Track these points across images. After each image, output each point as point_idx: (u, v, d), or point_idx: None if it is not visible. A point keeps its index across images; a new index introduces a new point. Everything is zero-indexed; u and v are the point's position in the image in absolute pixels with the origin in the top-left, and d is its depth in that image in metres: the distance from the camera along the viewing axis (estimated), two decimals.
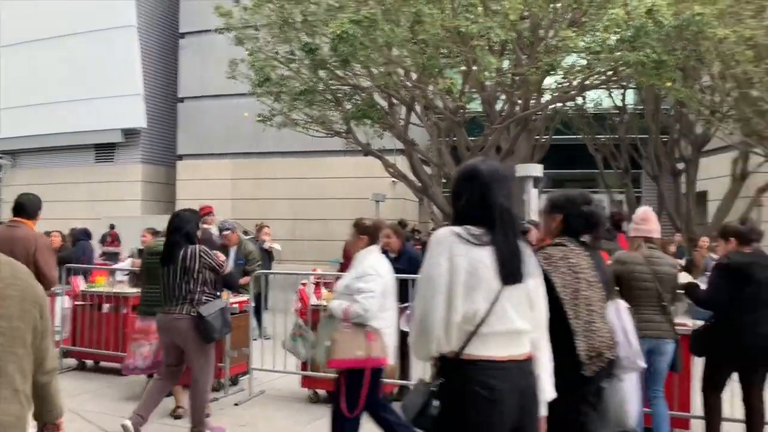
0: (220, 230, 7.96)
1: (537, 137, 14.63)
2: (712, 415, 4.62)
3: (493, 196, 2.38)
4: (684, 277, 5.17)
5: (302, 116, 13.63)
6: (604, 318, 3.09)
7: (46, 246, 5.06)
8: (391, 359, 4.23)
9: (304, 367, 6.04)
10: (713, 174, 15.46)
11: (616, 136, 16.21)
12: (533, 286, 2.40)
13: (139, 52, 21.13)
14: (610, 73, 11.71)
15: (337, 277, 7.64)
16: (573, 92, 12.21)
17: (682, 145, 15.46)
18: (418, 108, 13.17)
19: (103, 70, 20.56)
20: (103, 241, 15.45)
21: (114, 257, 13.49)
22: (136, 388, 6.27)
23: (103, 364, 7.28)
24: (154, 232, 7.41)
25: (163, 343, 5.02)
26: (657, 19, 9.29)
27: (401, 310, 5.13)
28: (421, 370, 4.38)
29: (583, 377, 2.89)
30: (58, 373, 2.26)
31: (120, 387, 6.49)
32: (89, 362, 7.38)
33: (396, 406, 3.68)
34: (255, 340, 6.80)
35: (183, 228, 4.90)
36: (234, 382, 6.44)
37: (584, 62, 11.01)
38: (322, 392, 6.06)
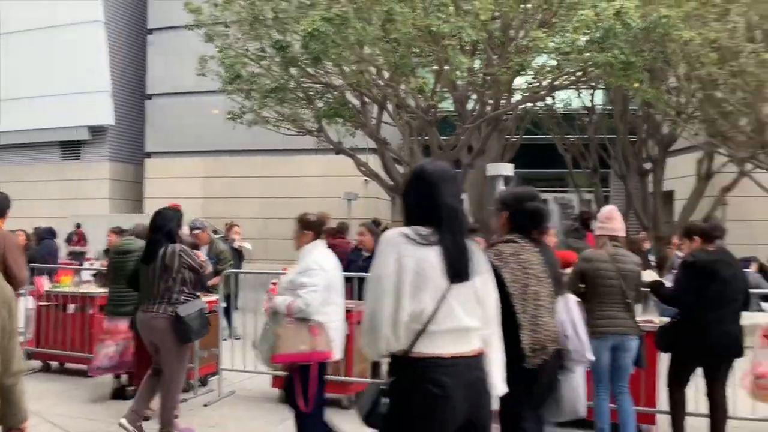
0: (191, 229, 7.85)
1: (508, 137, 14.75)
2: (677, 409, 4.72)
3: (440, 196, 2.44)
4: (649, 275, 5.26)
5: (273, 114, 13.55)
6: (552, 312, 3.22)
7: (16, 245, 4.94)
8: (338, 353, 4.22)
9: None
10: (679, 174, 15.77)
11: (585, 136, 16.43)
12: (481, 283, 2.45)
13: (106, 48, 20.76)
14: (579, 73, 11.87)
15: None
16: (543, 92, 12.34)
17: (649, 145, 15.73)
18: (390, 107, 13.18)
19: (70, 65, 20.17)
20: (69, 240, 15.18)
21: (80, 257, 13.25)
22: (104, 390, 6.16)
23: (68, 365, 7.13)
24: (120, 232, 7.27)
25: (145, 341, 4.95)
26: (625, 21, 9.45)
27: None
28: None
29: (527, 369, 3.02)
30: (23, 376, 2.21)
31: (87, 389, 6.36)
32: (54, 364, 7.23)
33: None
34: (225, 340, 6.73)
35: (165, 226, 4.86)
36: (203, 382, 6.36)
37: (554, 63, 11.13)
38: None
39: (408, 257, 2.33)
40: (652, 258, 10.23)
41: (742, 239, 13.62)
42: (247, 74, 12.74)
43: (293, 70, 12.54)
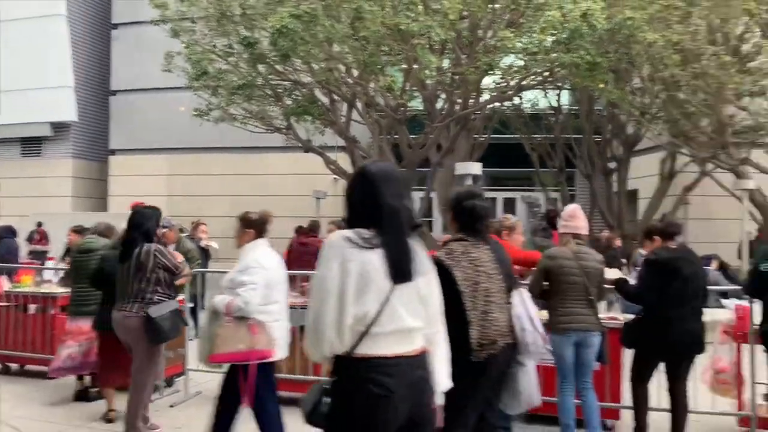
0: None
1: (476, 136, 14.84)
2: (640, 404, 4.81)
3: (380, 197, 2.45)
4: (613, 273, 5.35)
5: (240, 111, 13.43)
6: (503, 308, 3.33)
7: None
8: (282, 352, 4.21)
9: None
10: (643, 173, 16.07)
11: (552, 136, 16.62)
12: (424, 283, 2.47)
13: (69, 43, 20.32)
14: (546, 74, 12.00)
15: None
16: (510, 92, 12.44)
17: (614, 145, 15.99)
18: (359, 105, 13.15)
19: (31, 60, 19.68)
20: (30, 239, 14.83)
21: (42, 256, 12.96)
22: (66, 392, 6.03)
23: (29, 367, 6.97)
24: (81, 231, 7.11)
25: (121, 340, 4.87)
26: (591, 23, 9.58)
27: None
28: None
29: (474, 363, 3.14)
30: None
31: (48, 391, 6.22)
32: (14, 366, 7.05)
33: None
34: (191, 340, 6.65)
35: (143, 225, 4.80)
36: (169, 383, 6.28)
37: (521, 63, 11.23)
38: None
39: (352, 262, 2.35)
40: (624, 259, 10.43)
41: (704, 237, 13.95)
42: (214, 71, 12.60)
43: (261, 67, 12.44)
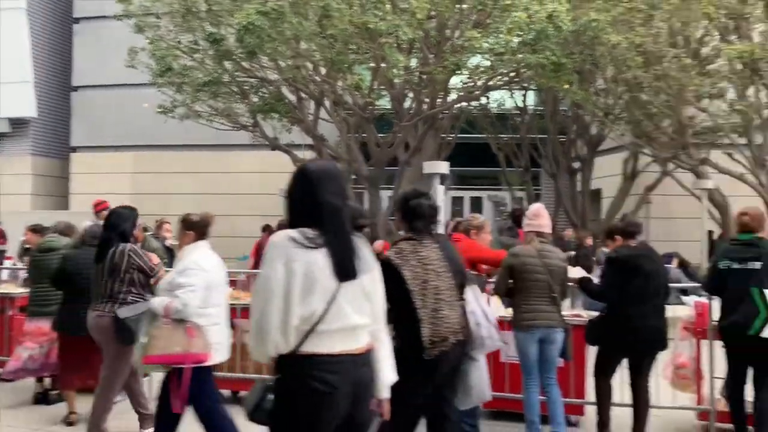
0: None
1: (443, 135, 14.91)
2: (603, 399, 4.90)
3: (321, 195, 2.46)
4: (577, 272, 5.45)
5: (206, 108, 13.26)
6: (453, 305, 3.39)
7: None
8: (221, 356, 4.18)
9: None
10: (606, 173, 16.35)
11: (518, 136, 16.80)
12: (369, 280, 2.50)
13: (28, 37, 19.78)
14: (512, 74, 12.12)
15: (248, 275, 7.52)
16: (477, 92, 12.53)
17: (578, 145, 16.24)
18: (327, 103, 13.11)
19: None
20: None
21: None
22: (26, 395, 5.89)
23: None
24: (38, 230, 6.93)
25: (96, 341, 4.78)
26: (557, 24, 9.69)
27: None
28: None
29: (426, 361, 3.19)
30: None
31: (7, 394, 6.05)
32: None
33: None
34: None
35: (119, 226, 4.74)
36: None
37: (488, 63, 11.32)
38: (225, 392, 5.91)
39: (297, 262, 2.35)
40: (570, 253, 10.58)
41: (665, 236, 14.27)
42: (179, 67, 12.41)
43: (227, 64, 12.30)
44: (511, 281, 4.73)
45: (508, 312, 5.07)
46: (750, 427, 4.68)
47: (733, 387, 4.81)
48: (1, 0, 19.34)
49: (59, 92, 21.12)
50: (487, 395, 3.64)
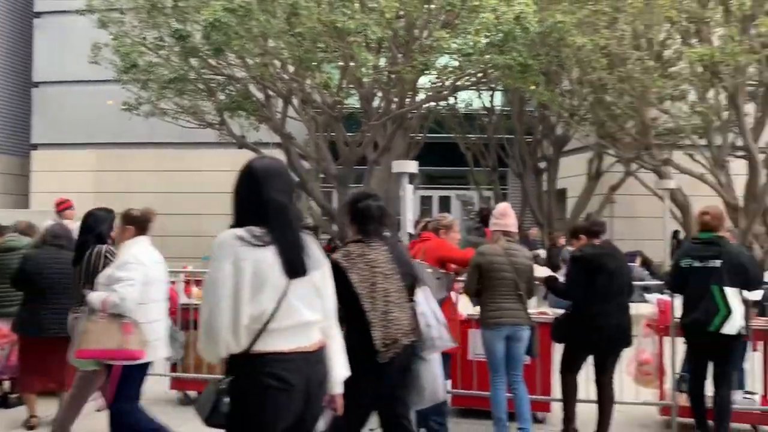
0: None
1: (412, 135, 14.96)
2: (569, 395, 4.98)
3: (265, 193, 2.46)
4: (543, 271, 5.52)
5: (172, 106, 13.07)
6: (403, 307, 3.40)
7: None
8: (160, 353, 4.14)
9: (173, 368, 5.84)
10: (571, 173, 16.58)
11: (485, 136, 16.94)
12: (319, 276, 2.51)
13: None
14: (480, 75, 12.21)
15: None
16: (445, 92, 12.60)
17: (544, 146, 16.45)
18: (295, 101, 13.03)
19: None
20: None
21: None
22: None
23: None
24: None
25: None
26: (524, 25, 9.79)
27: None
28: None
29: (378, 364, 3.20)
30: None
31: None
32: None
33: None
34: None
35: (95, 228, 4.62)
36: None
37: (456, 63, 11.39)
38: (193, 393, 5.85)
39: (245, 260, 2.34)
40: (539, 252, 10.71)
41: (628, 235, 14.54)
42: (145, 63, 12.21)
43: (194, 61, 12.14)
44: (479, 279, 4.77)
45: (476, 310, 5.11)
46: (710, 422, 4.80)
47: (694, 382, 4.92)
48: None
49: (19, 88, 20.58)
50: (440, 395, 3.63)
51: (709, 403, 4.85)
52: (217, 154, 18.00)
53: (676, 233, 13.09)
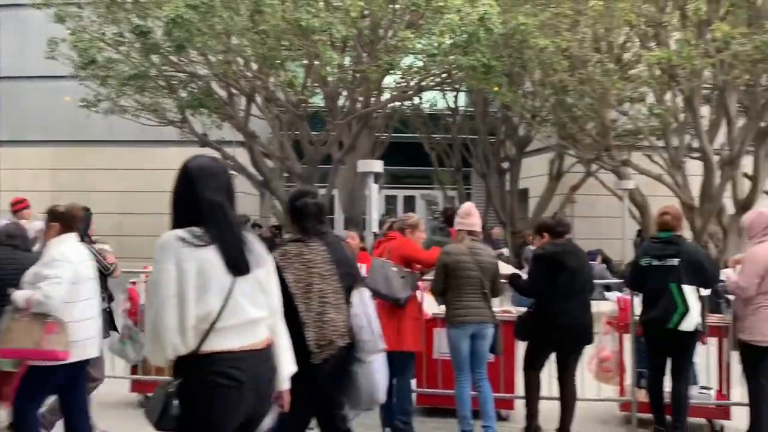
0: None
1: (377, 134, 14.97)
2: (532, 392, 5.03)
3: (200, 192, 2.46)
4: (507, 269, 5.57)
5: (132, 103, 12.82)
6: (339, 308, 3.37)
7: None
8: (90, 352, 4.05)
9: (133, 370, 5.74)
10: (534, 173, 16.81)
11: (449, 136, 17.06)
12: (263, 273, 2.52)
13: None
14: (444, 75, 12.28)
15: None
16: (410, 92, 12.64)
17: (507, 146, 16.63)
18: (258, 99, 12.91)
19: None
20: None
21: None
22: None
23: None
24: None
25: None
26: (488, 27, 9.88)
27: None
28: None
29: (312, 365, 3.19)
30: None
31: None
32: None
33: None
34: None
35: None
36: None
37: (421, 64, 11.43)
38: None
39: (188, 261, 2.33)
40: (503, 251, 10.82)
41: (589, 234, 14.78)
42: (104, 59, 11.94)
43: (155, 57, 11.92)
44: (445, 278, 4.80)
45: (441, 309, 5.14)
46: (667, 416, 4.92)
47: (652, 379, 5.03)
48: None
49: None
50: (379, 398, 3.53)
51: (666, 398, 4.96)
52: (177, 153, 17.67)
53: (640, 232, 13.36)
